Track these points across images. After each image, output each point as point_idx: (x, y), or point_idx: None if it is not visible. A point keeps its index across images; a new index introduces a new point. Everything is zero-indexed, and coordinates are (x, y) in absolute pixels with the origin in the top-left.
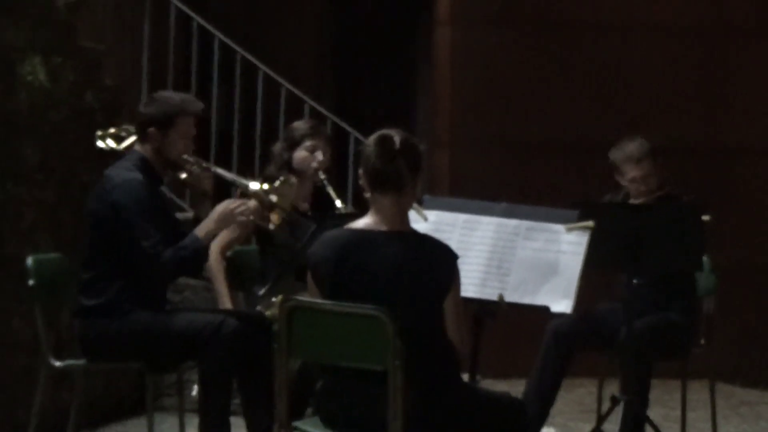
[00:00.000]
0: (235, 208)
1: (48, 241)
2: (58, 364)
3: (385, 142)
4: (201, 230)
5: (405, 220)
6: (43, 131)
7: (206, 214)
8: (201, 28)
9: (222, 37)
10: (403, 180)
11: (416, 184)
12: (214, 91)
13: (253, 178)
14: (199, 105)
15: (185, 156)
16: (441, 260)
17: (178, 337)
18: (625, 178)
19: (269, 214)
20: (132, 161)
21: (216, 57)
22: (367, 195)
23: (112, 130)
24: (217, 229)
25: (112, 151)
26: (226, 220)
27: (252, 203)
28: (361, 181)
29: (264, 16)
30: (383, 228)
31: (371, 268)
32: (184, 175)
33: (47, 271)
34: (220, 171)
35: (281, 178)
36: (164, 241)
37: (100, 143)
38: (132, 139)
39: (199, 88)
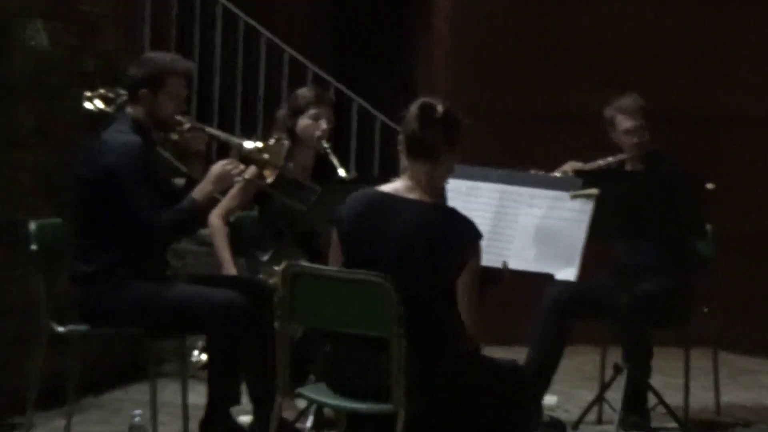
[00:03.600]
0: (232, 168)
1: (44, 207)
2: (60, 329)
3: (427, 109)
4: (198, 192)
5: (435, 191)
6: (40, 96)
7: (198, 174)
8: None
9: (225, 2)
10: (438, 149)
11: (453, 157)
12: (217, 56)
13: (248, 138)
14: (189, 64)
15: (177, 116)
16: (459, 235)
17: (184, 312)
18: (618, 129)
19: (263, 172)
20: (126, 123)
21: (218, 22)
22: (404, 161)
23: (101, 91)
24: (214, 191)
25: (101, 112)
26: (222, 181)
27: (251, 169)
28: (399, 147)
29: None
30: (410, 195)
31: (386, 231)
32: (175, 136)
33: (48, 237)
34: (213, 130)
35: (275, 137)
36: (160, 205)
37: (87, 104)
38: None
39: (201, 53)
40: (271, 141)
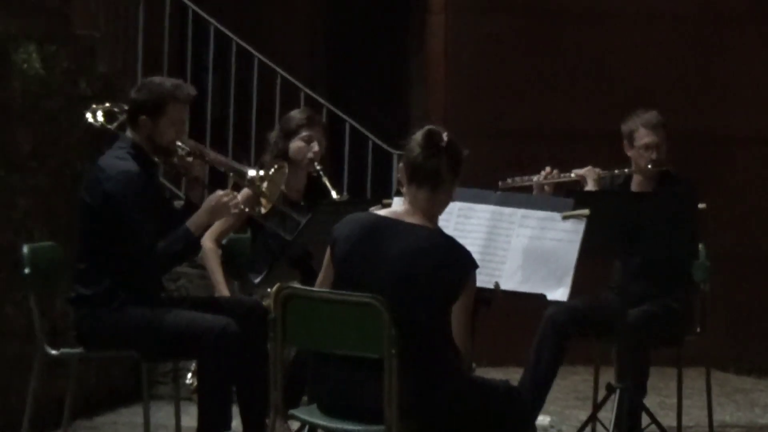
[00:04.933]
0: (229, 200)
1: (41, 230)
2: (53, 352)
3: (432, 137)
4: (192, 223)
5: (434, 217)
6: (36, 119)
7: (198, 200)
8: (196, 15)
9: (217, 24)
10: (441, 177)
11: (453, 185)
12: (209, 78)
13: (249, 165)
14: (191, 90)
15: (178, 142)
16: (454, 264)
17: (178, 338)
18: (637, 143)
19: (259, 200)
20: (124, 149)
21: (211, 44)
22: (402, 189)
23: (107, 105)
24: (209, 222)
25: (102, 127)
26: (218, 212)
27: (244, 192)
28: (399, 175)
29: (258, 4)
30: (410, 220)
31: (384, 254)
32: (175, 159)
33: (42, 260)
34: (214, 156)
35: (275, 166)
36: (158, 233)
37: (89, 117)
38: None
39: (194, 76)
40: (272, 170)
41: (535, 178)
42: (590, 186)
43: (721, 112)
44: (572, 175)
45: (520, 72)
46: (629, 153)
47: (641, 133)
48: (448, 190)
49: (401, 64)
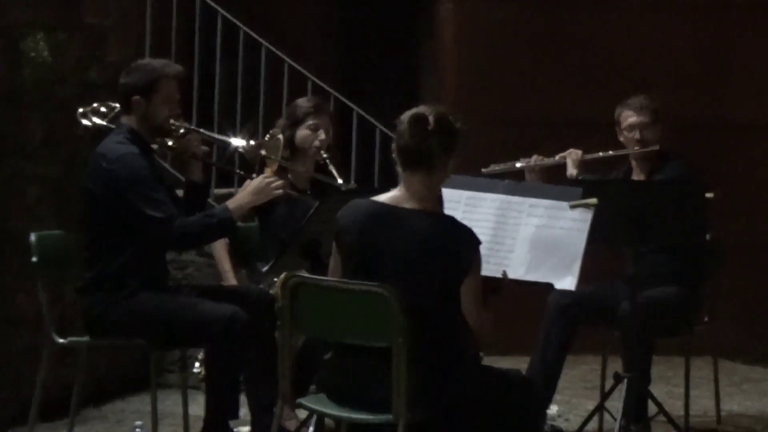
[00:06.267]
0: (271, 181)
1: (52, 217)
2: (61, 340)
3: (418, 120)
4: (234, 202)
5: (432, 199)
6: (47, 107)
7: (198, 177)
8: (204, 3)
9: (225, 13)
10: (434, 159)
11: (448, 164)
12: (217, 67)
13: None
14: (179, 68)
15: (172, 120)
16: (461, 243)
17: (186, 326)
18: (623, 125)
19: (264, 170)
20: (122, 134)
21: (219, 33)
22: (399, 170)
23: (94, 105)
24: (251, 203)
25: (97, 127)
26: (261, 193)
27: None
28: (393, 155)
29: None
30: (408, 205)
31: (391, 243)
32: (171, 142)
33: (50, 248)
34: (207, 132)
35: (269, 133)
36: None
37: (83, 122)
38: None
39: (201, 64)
40: (266, 137)
41: (518, 164)
42: (570, 169)
43: (729, 101)
44: (556, 158)
45: (530, 60)
46: (620, 138)
47: (625, 114)
48: (443, 169)
49: (412, 52)
